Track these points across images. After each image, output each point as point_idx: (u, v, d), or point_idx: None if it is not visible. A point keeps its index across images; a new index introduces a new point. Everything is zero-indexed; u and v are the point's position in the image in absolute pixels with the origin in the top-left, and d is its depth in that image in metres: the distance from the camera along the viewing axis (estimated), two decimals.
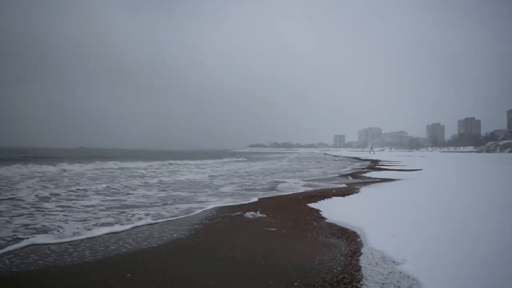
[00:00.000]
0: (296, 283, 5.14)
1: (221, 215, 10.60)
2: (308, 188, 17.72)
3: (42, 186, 17.24)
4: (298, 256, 6.46)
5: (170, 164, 42.24)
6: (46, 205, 11.92)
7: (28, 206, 11.67)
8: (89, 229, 8.59)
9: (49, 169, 28.27)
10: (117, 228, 8.72)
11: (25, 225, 8.96)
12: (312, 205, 11.71)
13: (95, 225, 9.06)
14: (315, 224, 9.09)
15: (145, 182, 20.18)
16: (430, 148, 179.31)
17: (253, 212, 10.50)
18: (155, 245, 7.46)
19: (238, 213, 10.71)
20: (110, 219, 9.78)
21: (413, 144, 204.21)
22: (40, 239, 7.59)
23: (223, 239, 7.94)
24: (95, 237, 7.91)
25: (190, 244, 7.54)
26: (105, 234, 8.19)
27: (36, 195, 13.84)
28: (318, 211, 10.69)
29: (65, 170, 28.15)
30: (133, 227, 8.85)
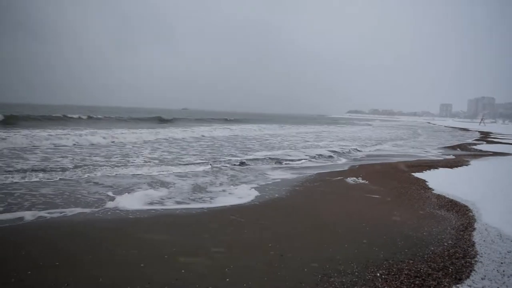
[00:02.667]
0: (403, 253, 4.91)
1: (321, 178, 10.52)
2: (412, 158, 16.78)
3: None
4: (405, 226, 6.15)
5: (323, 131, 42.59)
6: None
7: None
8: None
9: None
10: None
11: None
12: (417, 174, 11.05)
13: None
14: (421, 194, 8.57)
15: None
16: None
17: (354, 178, 10.22)
18: (257, 203, 7.68)
19: (339, 177, 10.52)
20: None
21: None
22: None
23: (324, 202, 7.87)
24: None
25: (290, 204, 7.64)
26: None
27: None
28: (424, 181, 10.05)
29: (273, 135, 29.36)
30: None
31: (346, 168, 12.72)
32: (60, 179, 9.08)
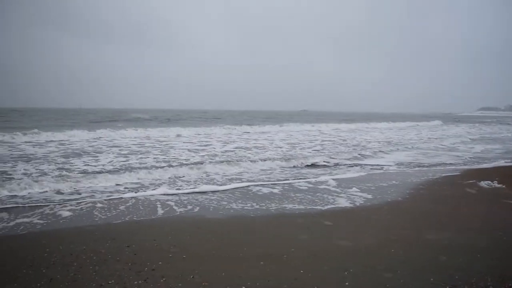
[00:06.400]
0: None
1: (449, 181, 9.62)
2: None
3: None
4: None
5: None
6: None
7: None
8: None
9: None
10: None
11: None
12: None
13: None
14: None
15: None
16: None
17: (489, 181, 9.11)
18: (376, 203, 7.37)
19: (471, 181, 9.48)
20: None
21: None
22: None
23: (453, 207, 7.16)
24: None
25: (413, 207, 7.15)
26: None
27: None
28: None
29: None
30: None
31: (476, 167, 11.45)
32: None
